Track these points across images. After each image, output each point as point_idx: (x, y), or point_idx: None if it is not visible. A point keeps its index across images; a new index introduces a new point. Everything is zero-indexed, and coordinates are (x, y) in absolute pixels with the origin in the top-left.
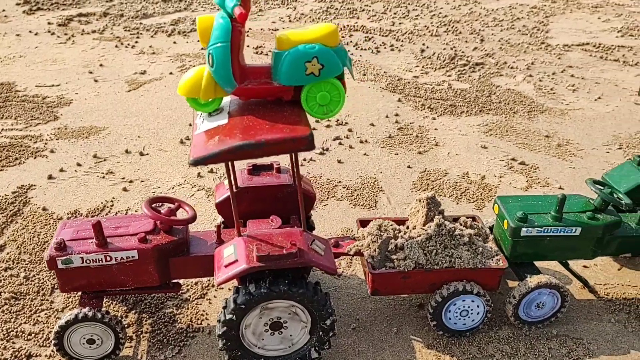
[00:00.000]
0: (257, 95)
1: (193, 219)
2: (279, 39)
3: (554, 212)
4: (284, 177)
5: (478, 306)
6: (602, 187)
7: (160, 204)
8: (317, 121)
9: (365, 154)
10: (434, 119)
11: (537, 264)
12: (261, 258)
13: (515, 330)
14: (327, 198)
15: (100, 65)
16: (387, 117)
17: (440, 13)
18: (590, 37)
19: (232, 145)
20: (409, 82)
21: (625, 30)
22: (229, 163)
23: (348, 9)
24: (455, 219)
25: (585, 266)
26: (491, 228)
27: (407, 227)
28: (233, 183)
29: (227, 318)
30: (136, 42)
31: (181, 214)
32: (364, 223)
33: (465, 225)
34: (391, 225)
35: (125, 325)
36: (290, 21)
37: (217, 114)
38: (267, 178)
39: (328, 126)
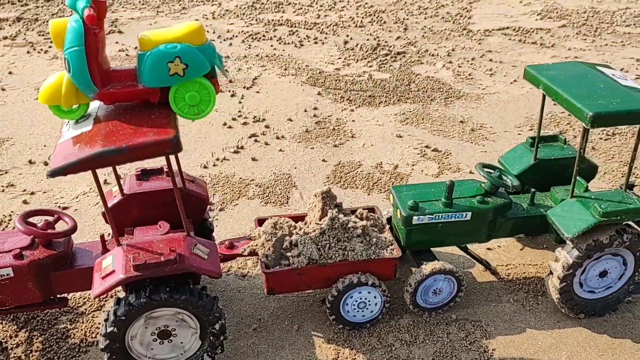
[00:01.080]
0: (122, 99)
1: (73, 230)
2: (141, 39)
3: (444, 199)
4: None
5: (375, 297)
6: (491, 171)
7: (41, 217)
8: (233, 119)
9: (280, 150)
10: (352, 110)
11: (441, 249)
12: (138, 267)
13: (416, 317)
14: (239, 197)
15: (10, 72)
16: (305, 111)
17: (366, 3)
18: (511, 21)
19: (92, 153)
20: (330, 75)
21: (545, 13)
22: (97, 170)
23: (274, 2)
24: (353, 211)
25: (489, 248)
26: (390, 219)
27: (305, 223)
28: (119, 189)
29: (108, 331)
30: (49, 47)
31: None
32: (261, 222)
33: (361, 217)
34: (287, 222)
35: (14, 346)
36: (214, 18)
37: (83, 120)
38: (156, 183)
39: (244, 124)
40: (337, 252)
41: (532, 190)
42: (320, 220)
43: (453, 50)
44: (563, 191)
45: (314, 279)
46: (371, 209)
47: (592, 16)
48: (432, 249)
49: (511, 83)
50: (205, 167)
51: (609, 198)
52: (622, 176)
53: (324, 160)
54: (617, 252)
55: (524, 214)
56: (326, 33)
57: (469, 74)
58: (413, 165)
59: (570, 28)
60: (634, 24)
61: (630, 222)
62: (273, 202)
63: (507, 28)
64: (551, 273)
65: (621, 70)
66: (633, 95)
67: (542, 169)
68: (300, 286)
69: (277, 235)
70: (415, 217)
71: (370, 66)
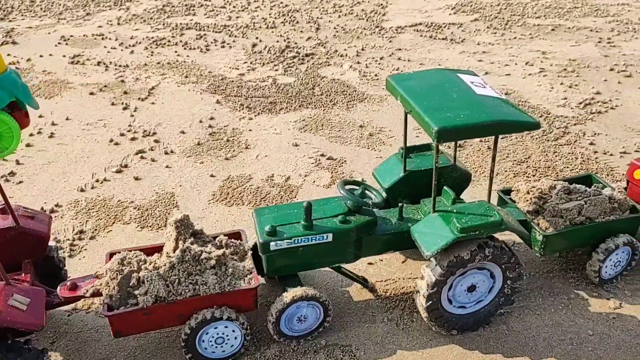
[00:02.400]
0: None
1: None
2: None
3: (303, 221)
4: (9, 219)
5: (234, 331)
6: (356, 187)
7: None
8: (121, 134)
9: (167, 167)
10: (251, 119)
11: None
12: None
13: (283, 347)
14: (113, 223)
15: None
16: (201, 122)
17: (281, 3)
18: (425, 17)
19: None
20: (232, 81)
21: (459, 7)
22: None
23: (185, 5)
24: (214, 237)
25: (370, 263)
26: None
27: (161, 255)
28: None
29: None
30: None
31: None
32: (113, 256)
33: (220, 244)
34: (137, 256)
35: None
36: (119, 24)
37: None
38: None
39: (133, 139)
40: (187, 287)
41: (400, 204)
42: (175, 251)
43: (363, 49)
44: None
45: (165, 317)
46: (236, 234)
47: (505, 8)
48: (304, 271)
49: None
50: (82, 190)
51: (471, 211)
52: (515, 176)
53: (212, 176)
54: (483, 266)
55: (391, 230)
56: (235, 36)
57: (376, 75)
58: (306, 176)
59: (482, 22)
60: (544, 15)
61: (493, 235)
62: (150, 226)
63: (420, 24)
64: (418, 291)
65: (526, 63)
66: (483, 106)
67: (413, 181)
68: (151, 326)
69: (123, 272)
70: (272, 243)
71: (276, 70)
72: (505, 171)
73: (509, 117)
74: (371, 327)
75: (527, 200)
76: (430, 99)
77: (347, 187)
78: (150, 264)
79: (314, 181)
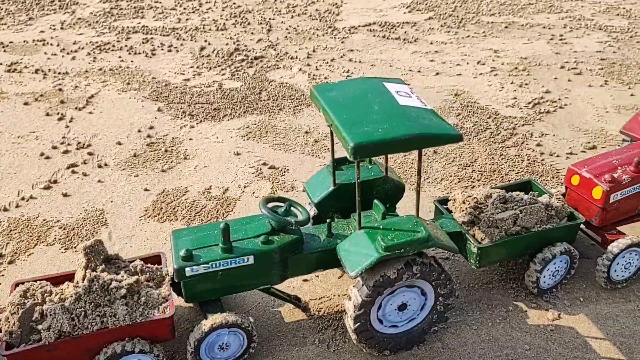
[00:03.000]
0: None
1: None
2: None
3: (222, 244)
4: None
5: None
6: (281, 204)
7: None
8: (54, 147)
9: (99, 181)
10: (193, 127)
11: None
12: None
13: None
14: (36, 245)
15: None
16: (139, 131)
17: (233, 4)
18: (379, 16)
19: None
20: (176, 87)
21: (414, 5)
22: None
23: (134, 7)
24: (131, 262)
25: (305, 280)
26: None
27: (71, 284)
28: None
29: None
30: None
31: None
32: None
33: (134, 271)
34: (42, 287)
35: None
36: (62, 28)
37: None
38: None
39: (66, 152)
40: (94, 320)
41: (328, 220)
42: (84, 280)
43: (314, 51)
44: (363, 218)
45: (71, 354)
46: (155, 257)
47: (460, 6)
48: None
49: None
50: (5, 209)
51: (399, 227)
52: (459, 181)
53: (146, 190)
54: (413, 284)
55: (320, 248)
56: (183, 39)
57: (325, 77)
58: (245, 187)
59: (436, 20)
60: (499, 13)
61: (423, 251)
62: (75, 248)
63: (374, 23)
64: (346, 312)
65: (478, 62)
66: (404, 119)
67: (344, 194)
68: None
69: (25, 306)
70: (188, 269)
71: (223, 74)
72: (450, 176)
73: (429, 130)
74: (301, 351)
75: (463, 211)
76: (351, 111)
77: (270, 204)
78: (56, 296)
79: (253, 192)
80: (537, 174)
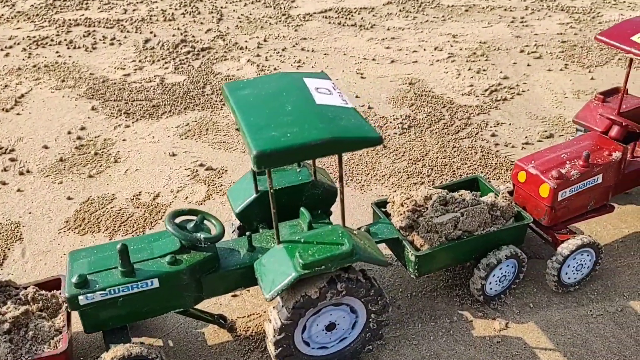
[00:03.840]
0: None
1: None
2: None
3: (120, 267)
4: None
5: None
6: (193, 217)
7: None
8: None
9: (19, 190)
10: (128, 126)
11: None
12: None
13: None
14: None
15: None
16: (69, 133)
17: None
18: (337, 1)
19: None
20: (115, 83)
21: None
22: None
23: None
24: (26, 287)
25: (234, 295)
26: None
27: None
28: None
29: None
30: None
31: None
32: None
33: (25, 300)
34: None
35: None
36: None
37: None
38: None
39: None
40: None
41: (248, 233)
42: None
43: (265, 40)
44: (288, 228)
45: None
46: (54, 281)
47: None
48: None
49: None
50: None
51: (322, 239)
52: (408, 177)
53: (69, 198)
54: (340, 302)
55: (238, 264)
56: (128, 31)
57: (275, 68)
58: (178, 191)
59: (395, 5)
60: None
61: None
62: None
63: (330, 10)
64: (267, 337)
65: (435, 49)
66: (319, 121)
67: (268, 202)
68: None
69: None
70: (82, 297)
71: (166, 68)
72: (399, 172)
73: (344, 134)
74: None
75: (402, 214)
76: (260, 113)
77: (180, 218)
78: None
79: (186, 197)
80: (491, 167)
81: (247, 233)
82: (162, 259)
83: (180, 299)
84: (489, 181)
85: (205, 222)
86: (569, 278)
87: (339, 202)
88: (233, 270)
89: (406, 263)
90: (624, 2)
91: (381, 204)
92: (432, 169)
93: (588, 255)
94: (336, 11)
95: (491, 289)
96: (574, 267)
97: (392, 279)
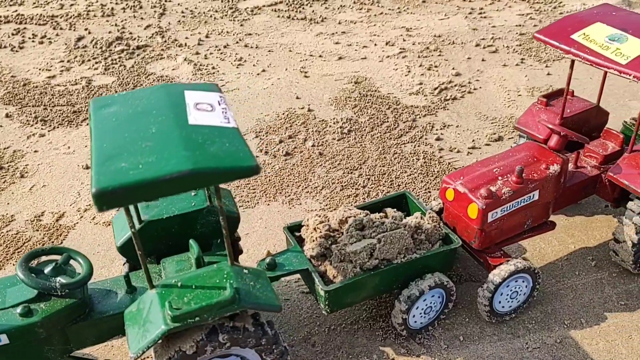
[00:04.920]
0: None
1: None
2: None
3: None
4: None
5: None
6: (55, 257)
7: None
8: None
9: None
10: (43, 135)
11: None
12: None
13: None
14: None
15: None
16: None
17: None
18: None
19: None
20: (37, 87)
21: None
22: None
23: None
24: None
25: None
26: None
27: None
28: None
29: None
30: None
31: None
32: None
33: None
34: None
35: None
36: None
37: None
38: None
39: None
40: None
41: (126, 271)
42: None
43: (207, 36)
44: (175, 264)
45: None
46: None
47: None
48: None
49: (258, 74)
50: None
51: (202, 282)
52: (342, 189)
53: None
54: (228, 353)
55: (111, 310)
56: (61, 28)
57: (214, 67)
58: (85, 210)
59: None
60: None
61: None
62: None
63: (280, 2)
64: None
65: (387, 43)
66: (182, 147)
67: (153, 233)
68: None
69: None
70: None
71: (96, 69)
72: (333, 183)
73: (210, 164)
74: None
75: (314, 240)
76: (117, 138)
77: (38, 260)
78: None
79: (93, 218)
80: (432, 175)
81: (126, 271)
82: (14, 309)
83: (40, 354)
84: (418, 198)
85: (70, 261)
86: (502, 307)
87: (225, 239)
88: (107, 317)
89: (317, 298)
90: None
91: (296, 228)
92: (368, 179)
93: (524, 282)
94: (287, 3)
95: (415, 322)
96: (507, 295)
97: (310, 310)
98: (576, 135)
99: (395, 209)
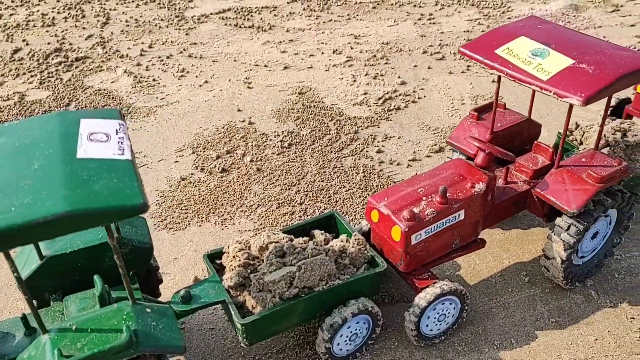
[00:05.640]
0: None
1: None
2: None
3: None
4: None
5: None
6: None
7: None
8: None
9: None
10: None
11: None
12: None
13: None
14: None
15: None
16: None
17: None
18: (237, 0)
19: None
20: None
21: None
22: None
23: None
24: None
25: None
26: None
27: None
28: None
29: None
30: None
31: None
32: None
33: None
34: None
35: None
36: None
37: None
38: None
39: None
40: None
41: (23, 313)
42: None
43: (150, 47)
44: (79, 302)
45: None
46: None
47: None
48: None
49: (200, 86)
50: None
51: (99, 324)
52: (278, 207)
53: None
54: None
55: (6, 355)
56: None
57: (154, 79)
58: None
59: (299, 3)
60: None
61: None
62: None
63: (229, 10)
64: None
65: (334, 52)
66: (62, 186)
67: (57, 268)
68: None
69: None
70: None
71: (31, 83)
72: (270, 200)
73: (90, 205)
74: None
75: (233, 269)
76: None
77: None
78: None
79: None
80: (371, 190)
81: (22, 314)
82: None
83: None
84: (348, 217)
85: None
86: (430, 330)
87: (123, 279)
88: None
89: (235, 330)
90: None
91: (217, 255)
92: (306, 196)
93: (451, 304)
94: (235, 11)
95: (341, 349)
96: (435, 318)
97: (235, 339)
98: (502, 152)
99: (322, 231)
